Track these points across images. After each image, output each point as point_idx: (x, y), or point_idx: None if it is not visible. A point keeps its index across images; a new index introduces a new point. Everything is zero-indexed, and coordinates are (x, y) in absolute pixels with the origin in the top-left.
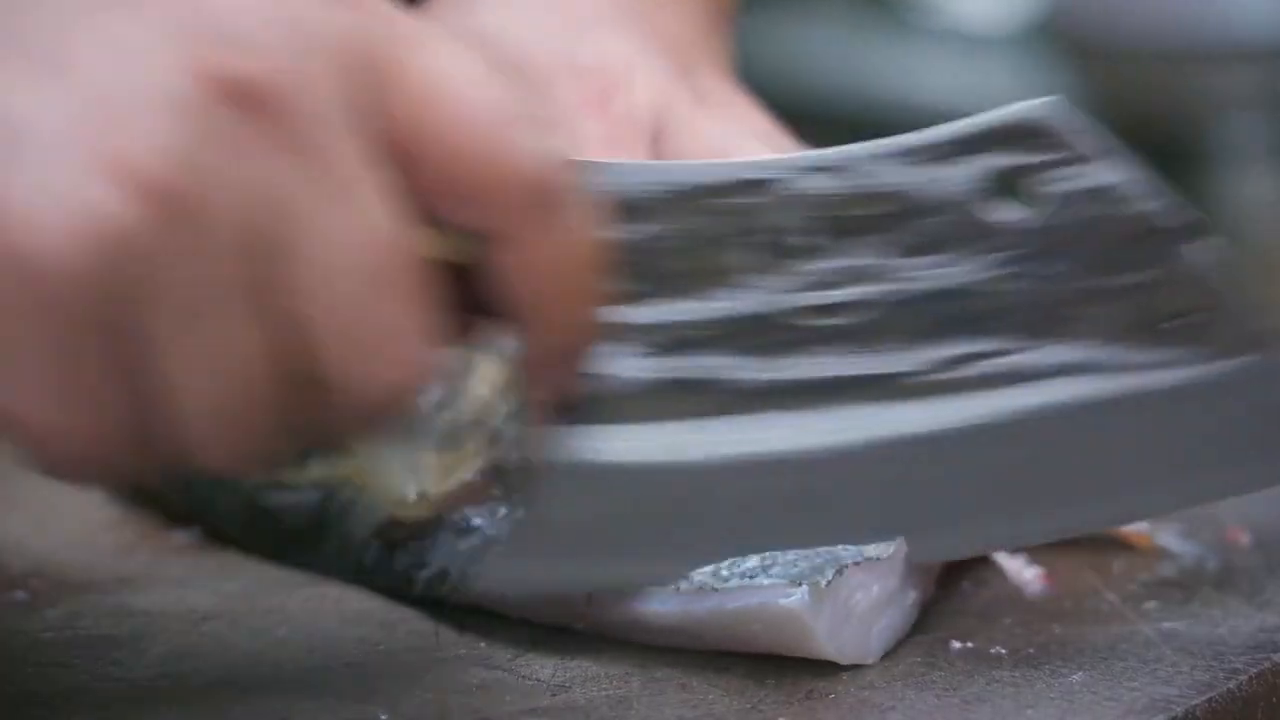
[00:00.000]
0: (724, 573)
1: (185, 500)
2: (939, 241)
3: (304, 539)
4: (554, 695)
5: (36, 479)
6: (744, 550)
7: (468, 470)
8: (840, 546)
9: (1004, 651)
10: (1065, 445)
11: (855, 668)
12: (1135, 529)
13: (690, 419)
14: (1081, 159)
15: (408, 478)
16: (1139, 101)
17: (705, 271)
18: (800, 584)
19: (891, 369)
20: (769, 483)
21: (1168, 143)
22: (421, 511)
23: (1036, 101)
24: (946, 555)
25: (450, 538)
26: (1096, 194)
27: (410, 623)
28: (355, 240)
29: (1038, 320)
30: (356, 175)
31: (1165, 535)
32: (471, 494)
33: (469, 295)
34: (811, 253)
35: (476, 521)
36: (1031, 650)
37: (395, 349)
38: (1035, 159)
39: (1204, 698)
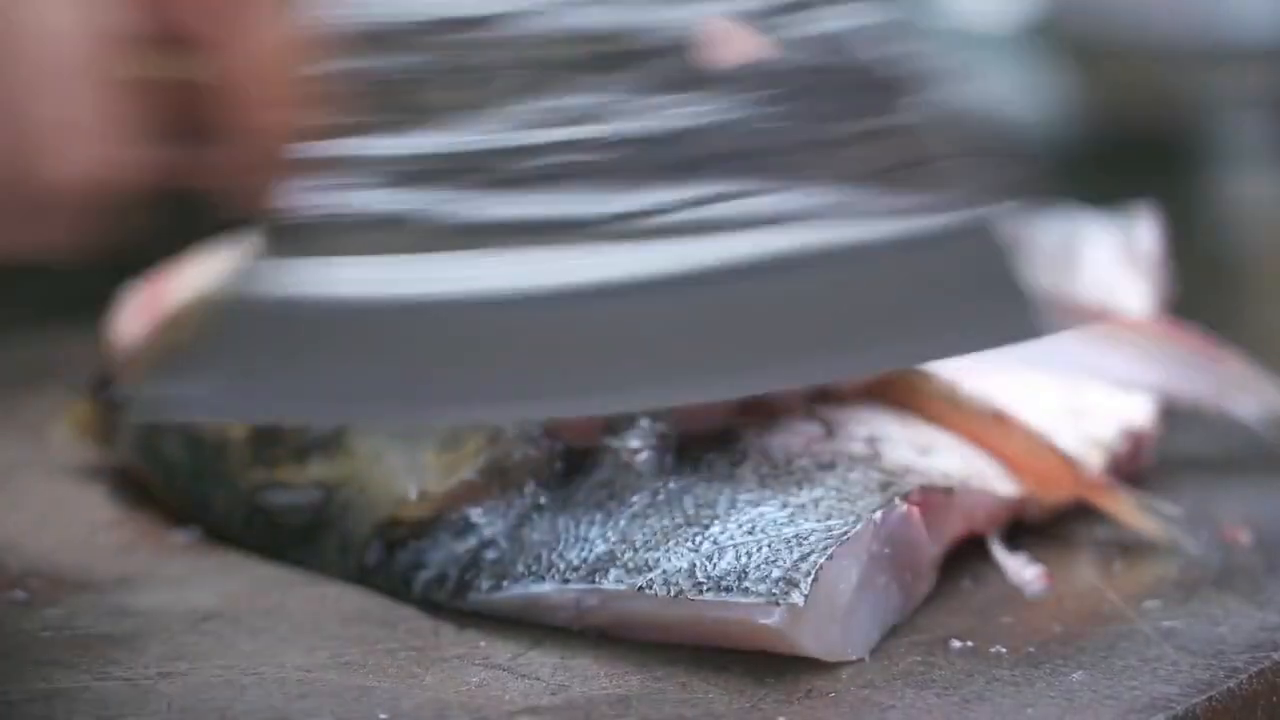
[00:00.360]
0: (699, 576)
1: (185, 500)
2: (669, 83)
3: (304, 539)
4: (554, 694)
5: (37, 479)
6: (455, 392)
7: (468, 469)
8: (808, 526)
9: (1004, 650)
10: (781, 293)
11: (855, 667)
12: (1146, 523)
13: (409, 253)
14: (816, 4)
15: (408, 477)
16: (1139, 101)
17: (431, 107)
18: (778, 604)
19: (616, 209)
20: (485, 321)
21: (1168, 143)
22: (422, 511)
23: None
24: (653, 404)
25: (449, 538)
26: (828, 40)
27: (410, 622)
28: (46, 31)
29: (761, 165)
30: None
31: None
32: (472, 493)
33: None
34: (549, 91)
35: (476, 521)
36: (1031, 649)
37: (87, 145)
38: (769, 2)
39: (1204, 696)
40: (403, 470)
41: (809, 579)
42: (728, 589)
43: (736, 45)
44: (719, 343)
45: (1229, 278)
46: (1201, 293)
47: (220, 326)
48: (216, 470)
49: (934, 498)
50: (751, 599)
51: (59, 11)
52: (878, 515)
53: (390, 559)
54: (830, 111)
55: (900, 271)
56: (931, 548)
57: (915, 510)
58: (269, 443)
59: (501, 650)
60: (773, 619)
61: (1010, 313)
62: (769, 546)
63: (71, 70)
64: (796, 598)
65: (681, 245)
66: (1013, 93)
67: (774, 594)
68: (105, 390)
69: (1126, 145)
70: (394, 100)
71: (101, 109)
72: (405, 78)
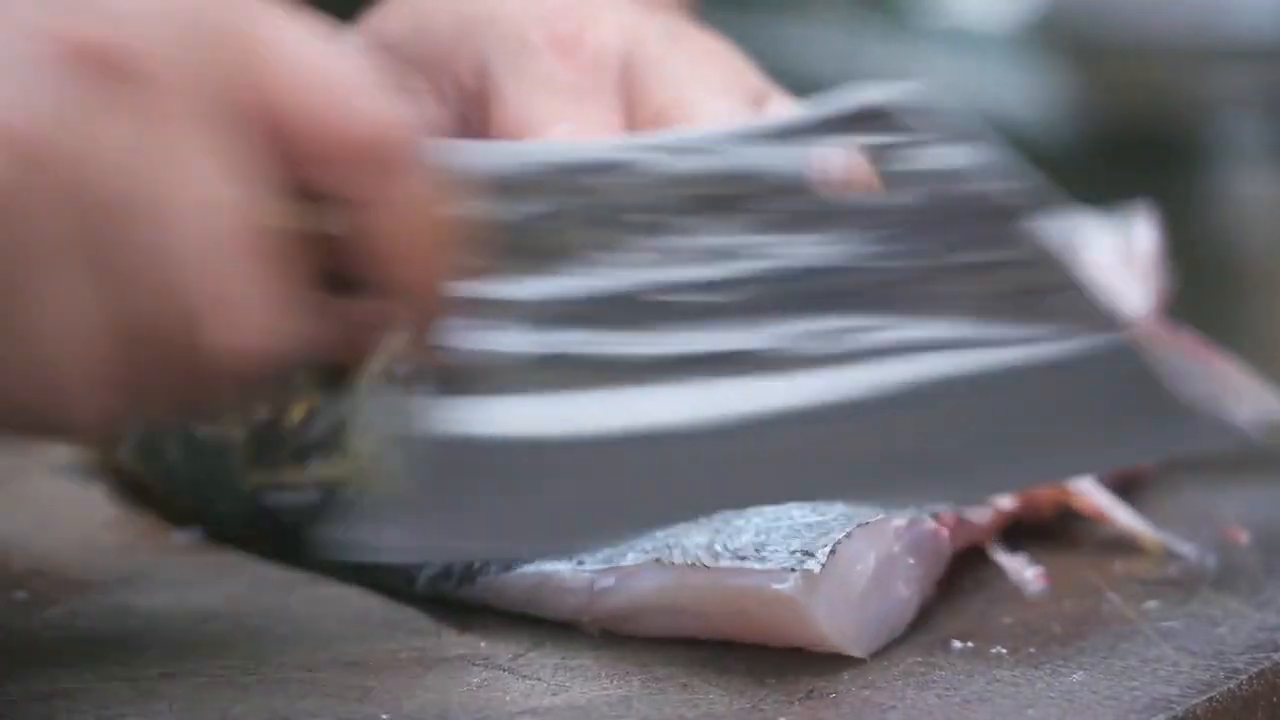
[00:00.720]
0: (717, 548)
1: (185, 500)
2: (799, 220)
3: (304, 539)
4: (555, 694)
5: (38, 479)
6: (618, 527)
7: None
8: (831, 516)
9: (1004, 651)
10: (925, 420)
11: (856, 667)
12: (1143, 531)
13: (560, 392)
14: (936, 141)
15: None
16: (1139, 101)
17: (574, 248)
18: (794, 570)
19: (755, 345)
20: (639, 457)
21: (1168, 143)
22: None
23: (896, 86)
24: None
25: None
26: (949, 175)
27: (410, 622)
28: (196, 206)
29: (895, 297)
30: (204, 143)
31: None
32: None
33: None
34: (678, 231)
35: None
36: (1032, 650)
37: (247, 316)
38: (891, 140)
39: (1204, 697)
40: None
41: (826, 549)
42: (744, 557)
43: (855, 181)
44: (868, 466)
45: (1228, 278)
46: (1199, 293)
47: (402, 468)
48: (217, 471)
49: (955, 520)
50: (768, 565)
51: (207, 181)
52: (902, 521)
53: None
54: (946, 243)
55: (1045, 391)
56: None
57: (944, 530)
58: (269, 444)
59: (503, 651)
60: (788, 585)
61: (1168, 423)
62: (789, 527)
63: (225, 240)
64: (813, 565)
65: (814, 377)
66: (1013, 93)
67: (790, 562)
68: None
69: (1126, 145)
70: (530, 244)
71: (257, 278)
72: (539, 223)
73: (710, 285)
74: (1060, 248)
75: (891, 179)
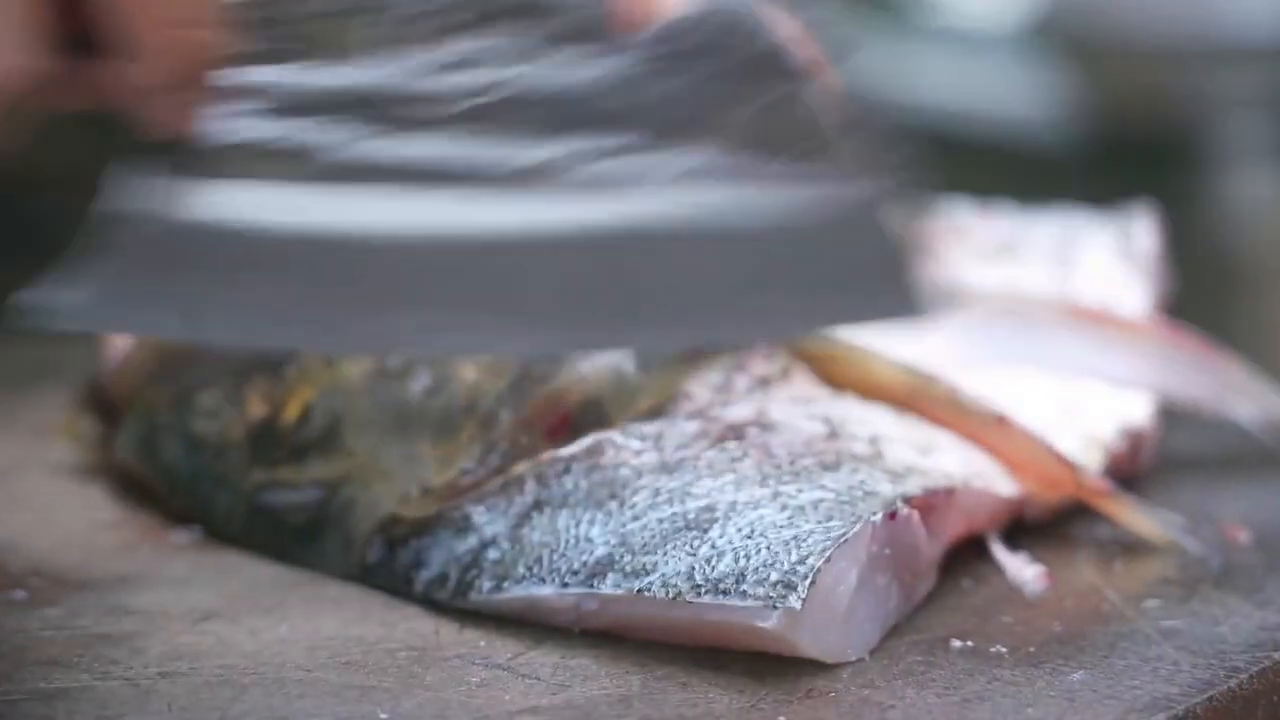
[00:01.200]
0: (697, 579)
1: (185, 500)
2: (573, 38)
3: (304, 538)
4: (554, 694)
5: (38, 479)
6: (337, 323)
7: (466, 458)
8: (807, 528)
9: (1004, 650)
10: (670, 253)
11: (855, 666)
12: (1153, 526)
13: (306, 184)
14: None
15: (408, 472)
16: (1139, 101)
17: (336, 43)
18: (776, 608)
19: (514, 160)
20: (373, 258)
21: (1168, 143)
22: (424, 508)
23: None
24: (532, 352)
25: (450, 536)
26: (730, 14)
27: (410, 622)
28: None
29: (655, 125)
30: None
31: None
32: (473, 485)
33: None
34: (439, 38)
35: (477, 520)
36: (1032, 649)
37: None
38: None
39: (1205, 696)
40: (402, 466)
41: (806, 582)
42: (725, 592)
43: (641, 7)
44: (604, 298)
45: (1228, 278)
46: (1200, 293)
47: (115, 241)
48: (216, 471)
49: (935, 498)
50: (749, 603)
51: None
52: (877, 517)
53: (391, 557)
54: (726, 80)
55: (786, 240)
56: (932, 548)
57: (916, 514)
58: (267, 443)
59: (502, 650)
60: (770, 622)
61: (894, 291)
62: (767, 549)
63: None
64: (794, 601)
65: (574, 200)
66: (1013, 93)
67: (771, 597)
68: (103, 395)
69: (1126, 145)
70: (299, 33)
71: (3, 15)
72: (314, 11)
73: (465, 95)
74: (842, 96)
75: (682, 8)
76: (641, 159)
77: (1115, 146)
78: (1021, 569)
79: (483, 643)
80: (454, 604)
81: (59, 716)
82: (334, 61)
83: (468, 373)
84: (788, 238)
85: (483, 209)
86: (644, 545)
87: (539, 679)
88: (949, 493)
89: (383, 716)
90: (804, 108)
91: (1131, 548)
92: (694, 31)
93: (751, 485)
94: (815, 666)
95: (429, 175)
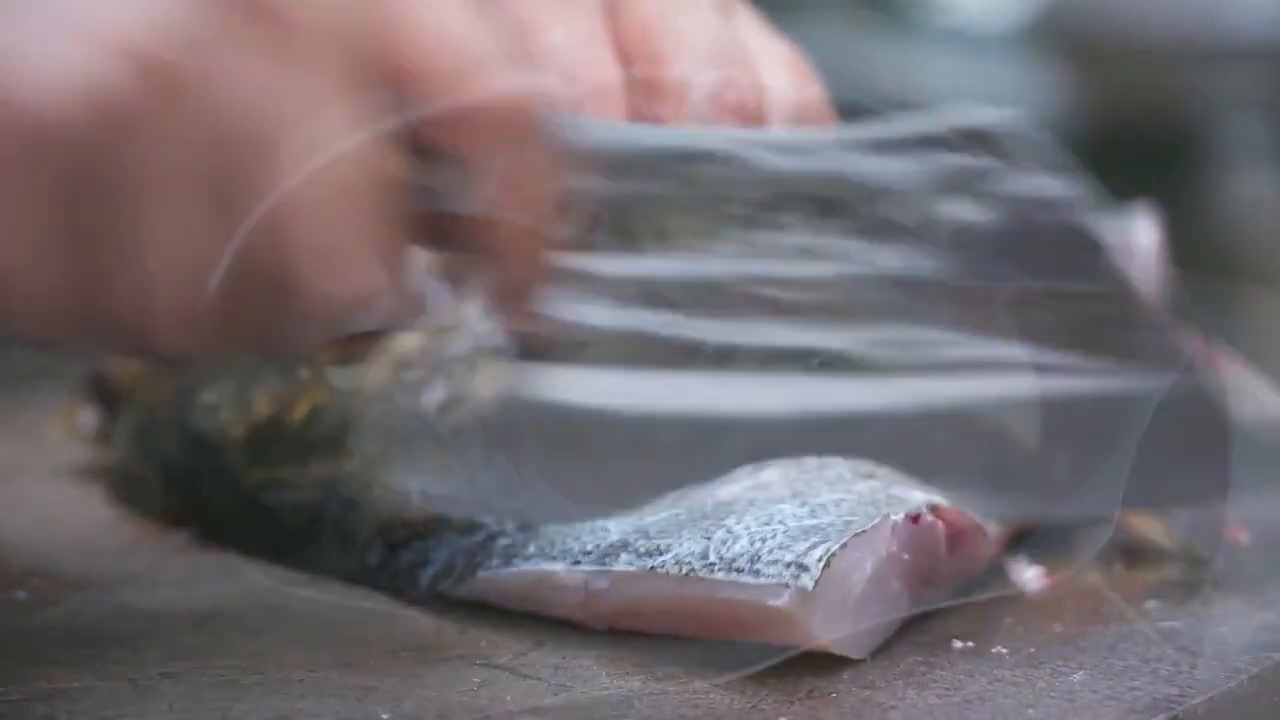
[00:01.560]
0: (711, 558)
1: (185, 500)
2: (890, 229)
3: (304, 539)
4: (555, 695)
5: (37, 479)
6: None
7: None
8: (828, 520)
9: (1005, 651)
10: (995, 436)
11: (856, 667)
12: (1158, 526)
13: (645, 370)
14: (1031, 168)
15: (411, 476)
16: (1139, 101)
17: (672, 232)
18: (788, 586)
19: (833, 345)
20: (709, 438)
21: (1168, 143)
22: (428, 512)
23: (997, 110)
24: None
25: (454, 536)
26: (1038, 202)
27: (411, 622)
28: (319, 151)
29: (977, 315)
30: (333, 91)
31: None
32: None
33: (447, 234)
34: (772, 226)
35: (485, 519)
36: (1032, 649)
37: (352, 260)
38: (988, 162)
39: (1205, 697)
40: (404, 469)
41: (820, 564)
42: (739, 570)
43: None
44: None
45: (1228, 278)
46: (1199, 293)
47: (491, 427)
48: (216, 470)
49: (967, 524)
50: (762, 580)
51: (332, 128)
52: (899, 517)
53: (393, 557)
54: (1028, 267)
55: (1107, 423)
56: (951, 564)
57: (939, 523)
58: (269, 441)
59: (503, 650)
60: (782, 600)
61: (1229, 463)
62: (784, 534)
63: (342, 187)
64: (806, 581)
65: (885, 383)
66: (1013, 93)
67: (784, 576)
68: (104, 385)
69: (1126, 145)
70: (632, 224)
71: (366, 229)
72: (642, 203)
73: (796, 283)
74: (1136, 285)
75: (983, 200)
76: (958, 349)
77: (1115, 146)
78: (1021, 570)
79: (484, 643)
80: (458, 591)
81: (60, 716)
82: (668, 250)
83: (484, 390)
84: (1110, 420)
85: (818, 391)
86: (661, 531)
87: (540, 679)
88: (980, 530)
89: (383, 717)
90: (1105, 294)
91: (1131, 548)
92: (999, 223)
93: (778, 489)
94: (816, 667)
95: (758, 360)
